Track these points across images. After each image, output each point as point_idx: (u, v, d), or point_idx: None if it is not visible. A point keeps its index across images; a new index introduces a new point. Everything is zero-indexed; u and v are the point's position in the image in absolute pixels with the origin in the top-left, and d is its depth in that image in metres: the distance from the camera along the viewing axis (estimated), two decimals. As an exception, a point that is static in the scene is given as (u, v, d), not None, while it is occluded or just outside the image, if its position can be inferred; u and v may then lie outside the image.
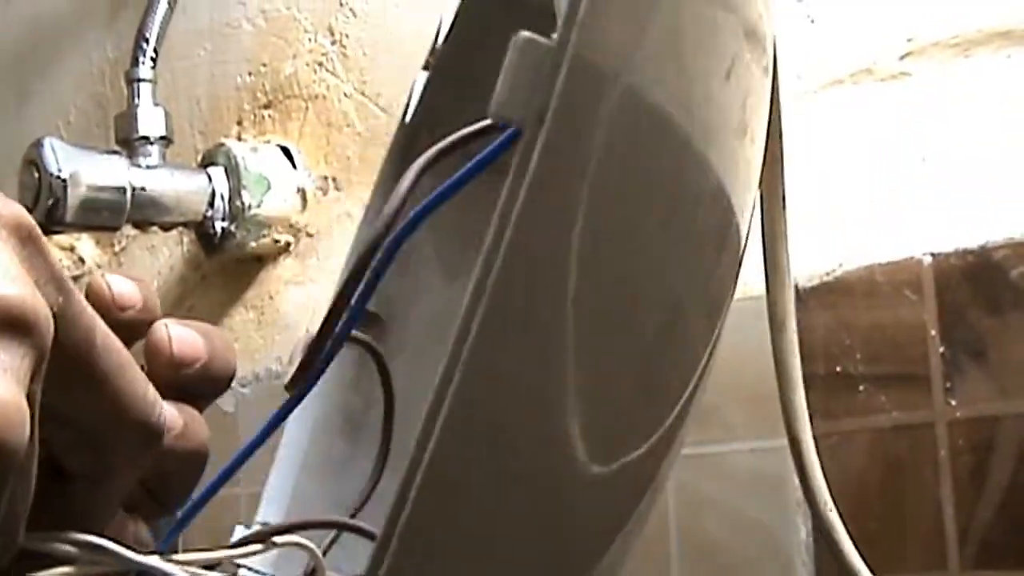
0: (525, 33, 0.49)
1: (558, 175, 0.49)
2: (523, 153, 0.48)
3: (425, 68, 0.88)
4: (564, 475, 0.51)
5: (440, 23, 0.86)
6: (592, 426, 0.50)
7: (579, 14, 0.49)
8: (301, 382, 0.55)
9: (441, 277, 0.91)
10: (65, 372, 0.38)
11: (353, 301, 0.54)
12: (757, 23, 0.61)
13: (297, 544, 0.54)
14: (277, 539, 0.54)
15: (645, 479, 0.56)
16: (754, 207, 0.60)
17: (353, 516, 0.72)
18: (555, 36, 0.49)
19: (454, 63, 0.84)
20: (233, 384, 1.32)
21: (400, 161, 0.90)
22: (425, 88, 0.86)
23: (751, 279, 0.79)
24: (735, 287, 0.60)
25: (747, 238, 0.61)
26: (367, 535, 0.66)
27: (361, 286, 0.53)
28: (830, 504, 0.72)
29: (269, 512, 0.88)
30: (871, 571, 0.71)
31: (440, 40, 0.86)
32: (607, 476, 0.52)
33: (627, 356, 0.53)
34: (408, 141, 0.89)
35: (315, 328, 0.51)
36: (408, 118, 0.86)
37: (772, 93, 0.65)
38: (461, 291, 0.89)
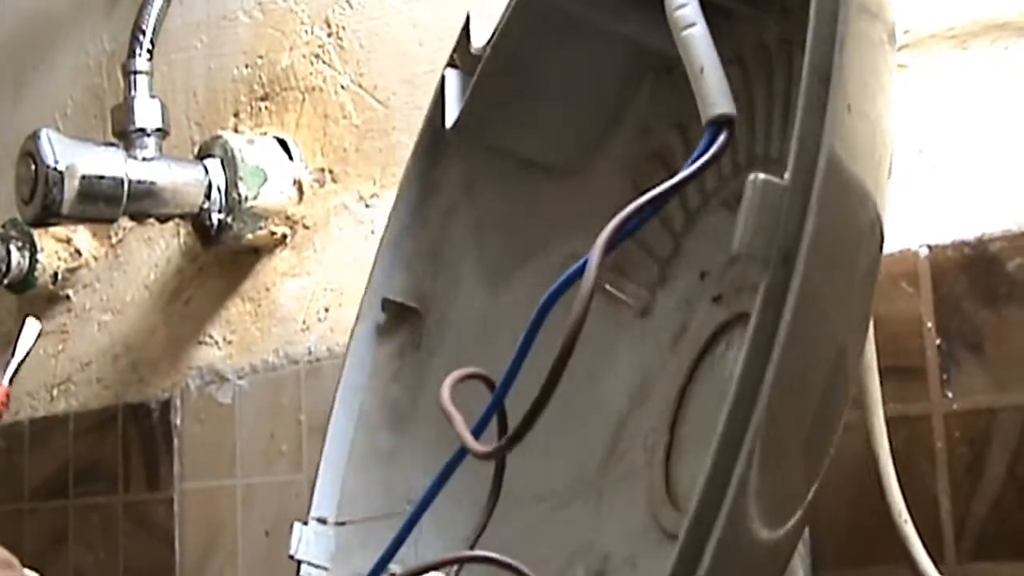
0: (763, 176, 0.52)
1: (809, 306, 0.53)
2: (769, 295, 0.52)
3: (452, 65, 0.88)
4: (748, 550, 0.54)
5: (467, 20, 0.86)
6: (767, 498, 0.53)
7: (820, 161, 0.52)
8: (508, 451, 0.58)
9: (482, 281, 0.90)
10: None
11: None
12: (895, 23, 0.61)
13: None
14: None
15: (801, 531, 0.59)
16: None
17: (472, 547, 0.72)
18: (787, 177, 0.52)
19: (497, 74, 0.84)
20: (231, 375, 1.33)
21: (430, 162, 0.90)
22: (472, 91, 0.86)
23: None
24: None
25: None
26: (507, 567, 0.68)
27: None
28: (905, 515, 0.72)
29: (322, 507, 0.88)
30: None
31: (469, 38, 0.86)
32: (777, 540, 0.56)
33: (805, 416, 0.56)
34: (435, 143, 0.89)
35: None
36: (450, 123, 0.86)
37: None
38: (505, 302, 0.89)
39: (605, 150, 0.87)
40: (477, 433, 0.65)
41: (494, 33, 0.84)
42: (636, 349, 0.84)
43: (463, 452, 0.65)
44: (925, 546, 0.73)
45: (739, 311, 0.76)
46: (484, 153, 0.88)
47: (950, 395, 0.77)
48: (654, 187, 0.63)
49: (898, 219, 0.80)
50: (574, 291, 0.56)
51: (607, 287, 0.85)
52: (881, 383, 0.78)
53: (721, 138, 0.59)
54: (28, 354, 1.28)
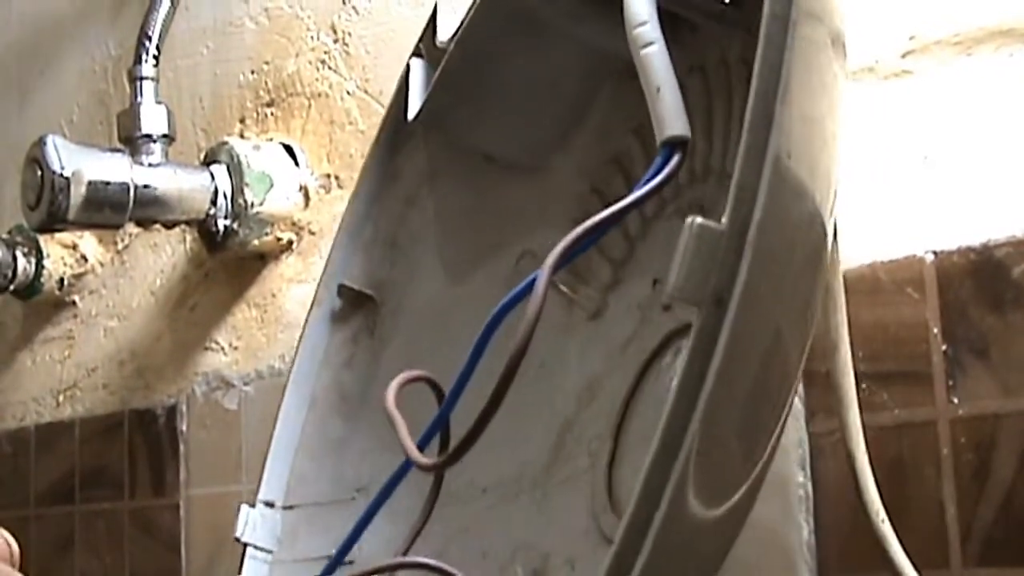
0: (699, 219, 0.53)
1: (740, 345, 0.54)
2: (702, 336, 0.53)
3: (416, 55, 0.88)
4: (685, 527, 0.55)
5: (435, 10, 0.86)
6: (705, 480, 0.54)
7: (756, 211, 0.53)
8: (453, 463, 0.59)
9: (440, 272, 0.91)
10: None
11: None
12: (840, 27, 0.62)
13: None
14: None
15: (744, 514, 0.60)
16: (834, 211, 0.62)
17: (405, 552, 0.73)
18: (724, 221, 0.53)
19: (461, 69, 0.85)
20: (236, 381, 1.33)
21: (392, 150, 0.90)
22: (435, 85, 0.86)
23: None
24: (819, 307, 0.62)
25: (833, 248, 0.62)
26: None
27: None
28: (883, 515, 0.73)
29: (270, 491, 0.88)
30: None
31: (437, 29, 0.86)
32: (718, 518, 0.57)
33: (743, 401, 0.57)
34: (397, 134, 0.90)
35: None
36: (412, 114, 0.86)
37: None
38: (461, 294, 0.90)
39: (565, 150, 0.87)
40: (424, 441, 0.66)
41: (458, 29, 0.84)
42: (585, 351, 0.84)
43: (408, 464, 0.66)
44: (924, 551, 0.73)
45: (689, 321, 0.77)
46: (446, 146, 0.88)
47: (956, 401, 0.77)
48: (607, 205, 0.64)
49: (903, 225, 0.81)
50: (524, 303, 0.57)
51: (561, 287, 0.85)
52: (887, 389, 0.78)
53: (674, 159, 0.60)
54: None
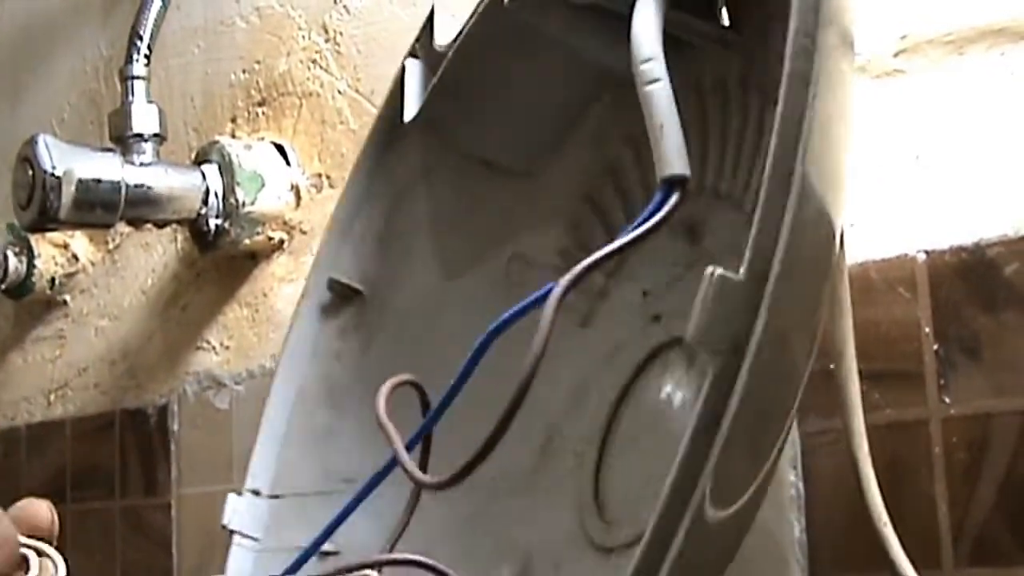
0: (719, 271, 0.55)
1: (756, 383, 0.55)
2: (719, 382, 0.55)
3: (412, 55, 0.88)
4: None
5: (432, 11, 0.86)
6: (716, 488, 0.55)
7: (775, 262, 0.55)
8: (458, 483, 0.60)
9: (431, 271, 0.91)
10: None
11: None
12: (850, 26, 0.62)
13: None
14: None
15: (752, 513, 0.61)
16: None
17: (391, 549, 0.73)
18: (742, 272, 0.55)
19: (459, 77, 0.85)
20: (228, 381, 1.33)
21: (383, 150, 0.90)
22: (430, 92, 0.86)
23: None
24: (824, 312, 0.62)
25: (840, 253, 0.62)
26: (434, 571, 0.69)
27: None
28: (885, 518, 0.73)
29: (257, 479, 0.88)
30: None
31: (432, 32, 0.86)
32: (725, 520, 0.57)
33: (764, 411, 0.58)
34: (391, 132, 0.90)
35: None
36: (409, 117, 0.87)
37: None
38: (452, 293, 0.91)
39: (558, 157, 0.88)
40: (408, 447, 0.67)
41: (458, 36, 0.84)
42: (574, 357, 0.84)
43: (393, 463, 0.67)
44: (916, 550, 0.73)
45: (677, 335, 0.77)
46: (440, 147, 0.89)
47: (948, 400, 0.77)
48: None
49: (895, 225, 0.81)
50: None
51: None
52: (879, 388, 0.78)
53: (673, 198, 0.60)
54: None
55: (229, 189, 1.17)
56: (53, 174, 1.09)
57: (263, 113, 1.24)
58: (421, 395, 0.69)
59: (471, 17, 0.83)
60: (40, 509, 0.68)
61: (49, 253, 1.42)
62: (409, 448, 0.67)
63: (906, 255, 0.79)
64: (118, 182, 1.13)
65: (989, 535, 0.75)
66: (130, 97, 1.19)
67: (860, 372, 0.77)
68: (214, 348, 1.26)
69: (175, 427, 1.28)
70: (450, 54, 0.85)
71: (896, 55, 0.82)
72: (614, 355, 0.83)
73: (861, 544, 0.75)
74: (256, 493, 0.88)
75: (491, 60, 0.84)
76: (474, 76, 0.85)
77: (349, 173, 0.91)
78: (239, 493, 0.88)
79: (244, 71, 1.27)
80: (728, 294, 0.55)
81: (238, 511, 0.88)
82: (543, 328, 0.56)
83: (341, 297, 0.91)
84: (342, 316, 0.91)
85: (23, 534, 0.64)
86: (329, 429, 0.90)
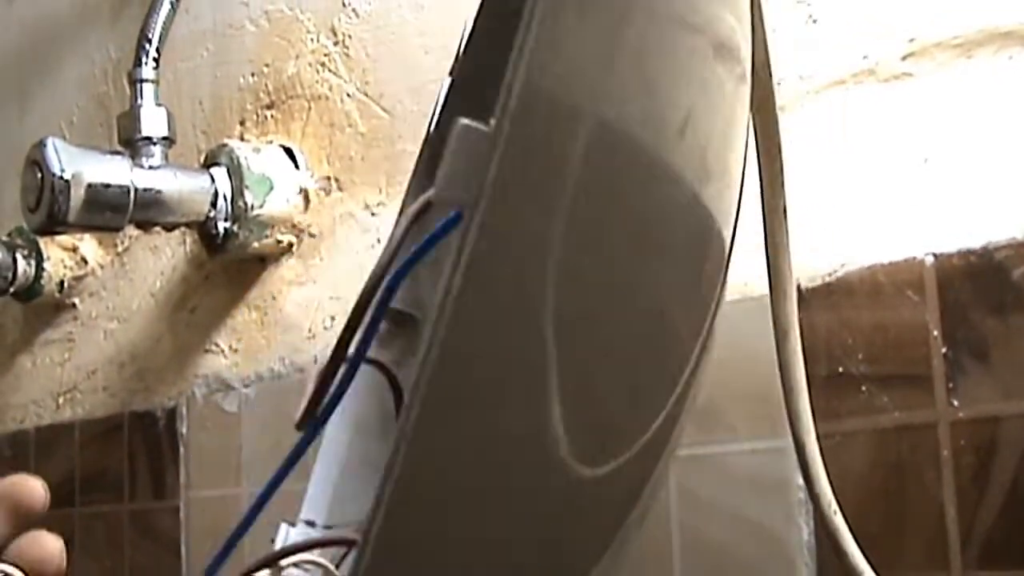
0: (464, 120, 0.51)
1: (501, 248, 0.50)
2: (461, 236, 0.50)
3: (451, 75, 0.88)
4: (551, 479, 0.51)
5: (464, 29, 0.86)
6: (579, 431, 0.51)
7: (510, 104, 0.50)
8: (311, 418, 0.58)
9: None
10: None
11: (355, 345, 0.57)
12: (729, 36, 0.61)
13: (309, 562, 0.57)
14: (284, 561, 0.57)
15: (639, 479, 0.57)
16: (739, 209, 0.61)
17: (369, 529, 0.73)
18: (492, 122, 0.49)
19: (469, 75, 0.85)
20: (237, 384, 1.32)
21: (428, 174, 0.90)
22: (446, 99, 0.86)
23: (751, 280, 0.79)
24: (723, 290, 0.60)
25: (733, 240, 0.61)
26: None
27: (361, 332, 0.56)
28: (835, 506, 0.72)
29: (312, 510, 0.88)
30: (875, 573, 0.72)
31: (462, 48, 0.86)
32: (599, 478, 0.53)
33: (611, 364, 0.54)
34: (434, 152, 0.89)
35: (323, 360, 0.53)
36: (432, 128, 0.87)
37: (768, 105, 0.65)
38: None
39: None
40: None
41: (464, 42, 0.84)
42: None
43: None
44: (925, 554, 0.73)
45: None
46: None
47: (956, 403, 0.77)
48: None
49: (904, 227, 0.81)
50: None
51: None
52: (887, 391, 0.78)
53: None
54: None
55: (238, 192, 1.18)
56: (62, 177, 1.10)
57: (272, 116, 1.24)
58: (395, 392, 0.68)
59: (475, 17, 0.83)
60: (32, 487, 0.57)
61: (58, 256, 1.43)
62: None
63: (914, 258, 0.79)
64: (127, 185, 1.13)
65: (998, 538, 0.75)
66: (139, 100, 1.19)
67: (868, 375, 0.77)
68: (223, 351, 1.26)
69: (184, 430, 1.28)
70: (458, 59, 0.84)
71: (904, 58, 0.82)
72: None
73: (868, 548, 0.75)
74: (311, 524, 0.88)
75: (493, 56, 0.83)
76: (480, 76, 0.85)
77: (402, 197, 0.91)
78: (292, 524, 0.88)
79: (253, 74, 1.27)
80: (475, 145, 0.52)
81: (290, 541, 0.87)
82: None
83: (396, 324, 0.91)
84: (397, 344, 0.91)
85: (7, 515, 0.56)
86: (384, 460, 0.90)
